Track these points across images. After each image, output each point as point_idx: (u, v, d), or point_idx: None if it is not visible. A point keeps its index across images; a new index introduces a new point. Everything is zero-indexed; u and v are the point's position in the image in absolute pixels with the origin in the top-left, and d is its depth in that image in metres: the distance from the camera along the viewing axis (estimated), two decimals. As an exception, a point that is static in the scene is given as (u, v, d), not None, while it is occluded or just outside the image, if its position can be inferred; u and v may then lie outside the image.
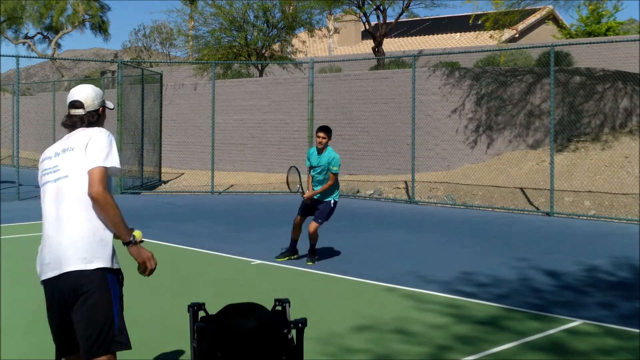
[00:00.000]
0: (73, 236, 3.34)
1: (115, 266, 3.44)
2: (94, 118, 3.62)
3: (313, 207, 8.73)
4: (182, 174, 21.37)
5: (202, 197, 16.76)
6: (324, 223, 8.72)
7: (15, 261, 8.57)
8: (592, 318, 6.20)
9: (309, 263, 8.64)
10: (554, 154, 14.41)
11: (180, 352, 5.15)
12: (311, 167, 8.75)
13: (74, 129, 3.58)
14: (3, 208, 13.64)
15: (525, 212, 13.78)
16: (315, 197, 8.68)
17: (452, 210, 14.39)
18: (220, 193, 17.61)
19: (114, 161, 3.44)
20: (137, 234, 3.51)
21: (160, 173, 19.79)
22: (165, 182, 19.49)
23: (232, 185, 18.72)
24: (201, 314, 3.50)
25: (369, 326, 5.90)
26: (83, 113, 3.59)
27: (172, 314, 6.23)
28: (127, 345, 3.42)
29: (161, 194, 17.58)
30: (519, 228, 11.93)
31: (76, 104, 3.60)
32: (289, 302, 3.35)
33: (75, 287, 3.32)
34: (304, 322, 3.25)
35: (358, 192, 16.96)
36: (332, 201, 8.68)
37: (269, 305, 3.39)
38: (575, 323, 6.05)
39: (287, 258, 8.90)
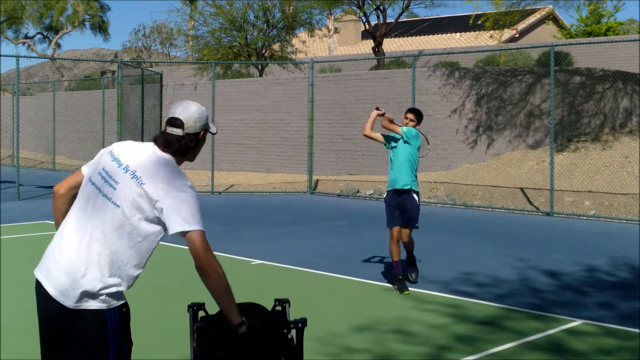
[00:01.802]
0: (87, 269, 2.88)
1: (116, 303, 2.96)
2: (192, 143, 3.08)
3: (400, 208, 7.28)
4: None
5: (202, 197, 16.77)
6: (415, 225, 7.36)
7: (16, 261, 8.57)
8: (592, 318, 6.20)
9: (412, 281, 7.40)
10: (554, 154, 14.41)
11: (180, 352, 5.15)
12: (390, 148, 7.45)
13: (165, 149, 3.04)
14: (3, 208, 13.63)
15: (525, 212, 13.78)
16: (400, 186, 7.26)
17: (452, 210, 14.39)
18: (220, 193, 17.61)
19: (201, 224, 2.94)
20: None
21: (160, 173, 19.76)
22: (165, 182, 19.47)
23: (232, 185, 18.72)
24: (201, 314, 3.50)
25: (369, 326, 5.90)
26: (181, 134, 3.03)
27: (172, 314, 6.24)
28: None
29: (161, 194, 17.56)
30: (519, 228, 11.92)
31: (175, 123, 3.04)
32: (289, 302, 3.35)
33: (67, 325, 2.89)
34: (304, 322, 3.25)
35: (358, 192, 16.97)
36: (417, 192, 7.29)
37: (269, 305, 3.39)
38: (575, 323, 6.05)
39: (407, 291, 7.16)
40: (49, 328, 2.97)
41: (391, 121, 7.35)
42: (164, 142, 3.05)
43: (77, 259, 2.89)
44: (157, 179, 2.92)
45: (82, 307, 2.86)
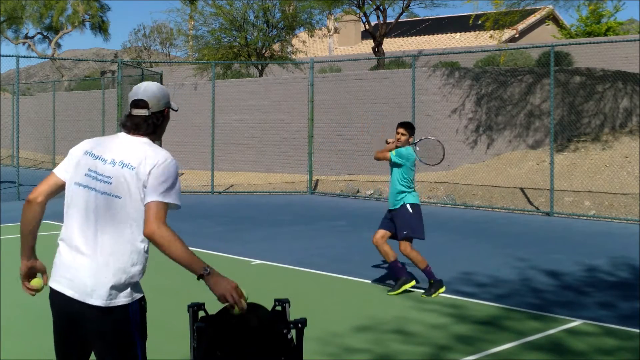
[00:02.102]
0: (108, 263, 3.00)
1: (137, 296, 3.12)
2: (159, 120, 3.22)
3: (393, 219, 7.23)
4: (182, 174, 21.38)
5: (202, 197, 16.76)
6: (413, 237, 7.10)
7: (16, 261, 8.56)
8: (592, 318, 6.20)
9: (423, 296, 7.04)
10: (554, 154, 14.41)
11: (180, 352, 5.15)
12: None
13: (134, 132, 3.16)
14: (3, 208, 13.64)
15: (525, 212, 13.78)
16: (390, 206, 7.26)
17: (452, 210, 14.39)
18: (220, 193, 17.61)
19: (174, 198, 3.07)
20: (37, 283, 3.17)
21: (160, 173, 19.77)
22: (165, 182, 19.47)
23: (232, 185, 18.72)
24: (201, 314, 3.50)
25: (369, 326, 5.90)
26: (147, 114, 3.17)
27: (172, 314, 6.23)
28: None
29: (161, 194, 17.57)
30: (519, 228, 11.92)
31: (140, 104, 3.18)
32: (289, 302, 3.35)
33: (95, 322, 3.00)
34: (303, 322, 3.25)
35: (358, 192, 16.97)
36: (407, 205, 7.12)
37: (268, 305, 3.38)
38: (575, 323, 6.05)
39: (400, 290, 7.09)
40: (73, 332, 3.05)
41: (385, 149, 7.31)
42: (133, 124, 3.17)
43: (98, 259, 3.00)
44: (145, 160, 3.05)
45: (111, 305, 2.98)
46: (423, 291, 7.07)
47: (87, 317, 2.99)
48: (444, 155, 7.50)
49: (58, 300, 3.07)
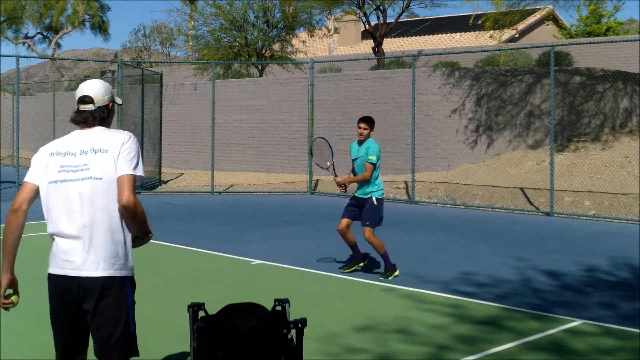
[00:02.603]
0: (103, 241, 3.34)
1: (133, 273, 3.50)
2: (105, 113, 3.55)
3: (358, 210, 7.98)
4: (182, 174, 21.38)
5: (202, 197, 16.76)
6: (374, 225, 7.83)
7: (15, 261, 8.56)
8: (592, 318, 6.20)
9: (381, 278, 7.76)
10: (554, 154, 14.41)
11: (180, 352, 5.15)
12: (353, 161, 8.15)
13: (84, 125, 3.51)
14: (3, 208, 13.62)
15: (525, 212, 13.78)
16: (355, 194, 8.05)
17: (452, 210, 14.39)
18: (220, 193, 17.62)
19: (140, 170, 3.44)
20: (15, 299, 3.50)
21: (160, 173, 19.80)
22: (165, 182, 19.49)
23: (232, 185, 18.72)
24: (201, 314, 3.50)
25: (369, 326, 5.90)
26: (93, 108, 3.51)
27: (172, 314, 6.23)
28: (137, 353, 3.49)
29: (161, 194, 17.58)
30: (519, 228, 11.92)
31: (86, 100, 3.53)
32: (288, 302, 3.35)
33: (98, 292, 3.32)
34: (303, 322, 3.25)
35: (358, 192, 16.96)
36: (375, 198, 7.90)
37: (269, 305, 3.39)
38: (575, 323, 6.05)
39: (353, 268, 8.08)
40: (77, 308, 3.37)
41: (345, 183, 8.23)
42: (82, 119, 3.52)
43: (91, 238, 3.34)
44: (112, 142, 3.42)
45: (117, 275, 3.36)
46: (380, 275, 7.85)
47: (91, 289, 3.32)
48: (332, 154, 8.32)
49: (60, 282, 3.37)
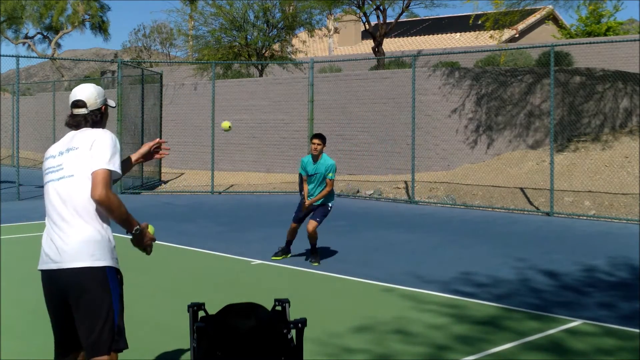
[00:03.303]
0: (79, 235, 3.37)
1: (116, 265, 3.48)
2: (97, 117, 3.63)
3: (309, 211, 8.92)
4: (182, 174, 21.38)
5: (202, 197, 16.76)
6: (321, 223, 8.84)
7: (15, 261, 8.57)
8: (592, 318, 6.20)
9: (314, 264, 8.67)
10: (554, 154, 14.41)
11: (180, 352, 5.15)
12: (308, 176, 8.84)
13: (77, 129, 3.59)
14: (3, 208, 13.63)
15: (525, 212, 13.78)
16: (317, 202, 8.86)
17: (452, 210, 14.39)
18: (220, 193, 17.62)
19: (116, 166, 3.44)
20: (151, 229, 3.60)
21: (160, 173, 19.80)
22: (165, 182, 19.50)
23: (232, 185, 18.72)
24: (201, 314, 3.50)
25: (369, 326, 5.90)
26: (86, 112, 3.60)
27: (172, 314, 6.23)
28: (125, 345, 3.45)
29: (161, 194, 17.58)
30: (519, 228, 11.92)
31: (79, 104, 3.60)
32: (288, 302, 3.35)
33: (77, 283, 3.34)
34: (303, 322, 3.25)
35: (358, 192, 16.96)
36: (330, 205, 8.91)
37: (269, 305, 3.39)
38: (575, 323, 6.05)
39: (282, 257, 9.01)
40: (59, 297, 3.42)
41: (309, 203, 8.82)
42: (74, 122, 3.60)
43: (75, 229, 3.39)
44: (84, 139, 3.49)
45: (95, 265, 3.36)
46: (311, 261, 8.73)
47: (72, 282, 3.35)
48: None
49: (45, 277, 3.46)
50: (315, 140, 8.72)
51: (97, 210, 3.40)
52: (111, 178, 3.42)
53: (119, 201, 3.38)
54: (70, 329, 3.46)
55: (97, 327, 3.33)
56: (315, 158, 8.73)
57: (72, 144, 3.51)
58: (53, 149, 3.60)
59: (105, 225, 3.45)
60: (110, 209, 3.35)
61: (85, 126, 3.59)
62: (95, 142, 3.45)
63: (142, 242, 3.53)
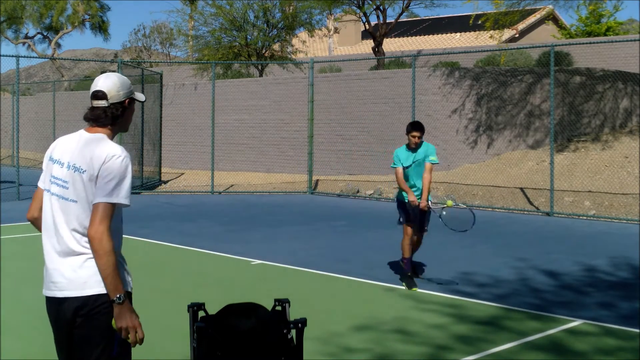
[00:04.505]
0: (82, 260, 3.09)
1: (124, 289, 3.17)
2: (119, 111, 3.19)
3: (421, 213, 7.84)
4: (182, 174, 21.38)
5: (202, 197, 16.76)
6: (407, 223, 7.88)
7: (16, 261, 8.57)
8: (592, 318, 6.20)
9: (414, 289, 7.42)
10: (554, 154, 14.41)
11: (180, 352, 5.15)
12: (404, 168, 7.73)
13: (96, 123, 3.18)
14: (3, 208, 13.63)
15: (525, 212, 13.78)
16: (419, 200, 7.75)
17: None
18: (220, 193, 17.61)
19: (121, 197, 3.04)
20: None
21: (160, 173, 19.80)
22: (165, 182, 19.50)
23: (232, 185, 18.72)
24: (201, 314, 3.50)
25: (369, 326, 5.90)
26: (106, 105, 3.16)
27: (172, 314, 6.24)
28: None
29: (161, 194, 17.58)
30: (519, 228, 11.92)
31: (98, 94, 3.16)
32: (288, 302, 3.35)
33: (80, 310, 3.10)
34: (303, 322, 3.25)
35: (358, 192, 16.97)
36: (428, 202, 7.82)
37: (269, 305, 3.39)
38: (575, 323, 6.05)
39: (415, 288, 7.44)
40: (65, 326, 3.14)
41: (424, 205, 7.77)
42: (93, 116, 3.17)
43: (73, 258, 3.08)
44: (91, 160, 3.07)
45: (99, 292, 3.04)
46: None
47: (75, 310, 3.08)
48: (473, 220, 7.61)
49: (51, 303, 3.18)
50: (416, 134, 7.59)
51: (89, 250, 3.08)
52: (114, 211, 3.06)
53: (111, 247, 2.99)
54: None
55: (94, 354, 3.12)
56: (414, 149, 7.73)
57: (78, 160, 3.11)
58: (63, 149, 3.21)
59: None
60: (98, 249, 2.97)
61: (105, 121, 3.16)
62: (103, 166, 3.05)
63: (125, 318, 3.03)
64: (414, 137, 7.58)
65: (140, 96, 3.33)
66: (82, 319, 3.10)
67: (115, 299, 2.99)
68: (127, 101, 3.25)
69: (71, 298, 3.08)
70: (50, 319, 3.24)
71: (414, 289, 7.33)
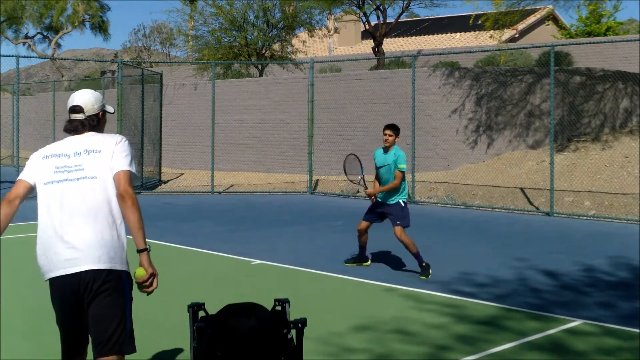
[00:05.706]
0: (100, 235, 3.42)
1: (129, 270, 3.56)
2: (95, 122, 3.69)
3: (382, 213, 8.23)
4: (182, 174, 21.38)
5: (202, 197, 16.76)
6: (406, 226, 8.09)
7: (16, 261, 8.57)
8: (592, 318, 6.20)
9: (422, 277, 7.81)
10: (554, 154, 14.41)
11: (180, 352, 5.15)
12: (377, 168, 8.22)
13: (75, 133, 3.64)
14: (3, 208, 13.61)
15: (525, 212, 13.78)
16: (379, 199, 8.16)
17: (452, 210, 14.39)
18: (220, 193, 17.61)
19: (134, 168, 3.59)
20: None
21: (160, 173, 19.80)
22: (165, 182, 19.49)
23: (232, 185, 18.72)
24: (201, 314, 3.50)
25: (369, 326, 5.90)
26: (83, 117, 3.65)
27: (172, 314, 6.24)
28: (134, 349, 3.53)
29: (161, 194, 17.58)
30: (519, 228, 11.92)
31: (76, 109, 3.66)
32: (288, 302, 3.35)
33: (96, 284, 3.39)
34: (303, 322, 3.25)
35: (358, 192, 16.97)
36: (401, 201, 8.10)
37: (269, 305, 3.39)
38: (575, 323, 6.05)
39: (355, 264, 8.48)
40: (76, 300, 3.41)
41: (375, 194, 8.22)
42: (72, 127, 3.66)
43: (93, 231, 3.42)
44: (104, 144, 3.57)
45: (114, 268, 3.42)
46: (420, 275, 7.96)
47: (90, 283, 3.38)
48: (362, 169, 8.54)
49: (65, 283, 3.41)
50: (387, 132, 8.16)
51: (114, 214, 3.47)
52: (132, 180, 3.53)
53: (138, 207, 3.50)
54: (79, 337, 3.52)
55: (111, 328, 3.40)
56: (386, 149, 8.20)
57: (90, 146, 3.56)
58: (59, 149, 3.60)
59: (121, 229, 3.50)
60: (133, 207, 3.43)
61: (83, 131, 3.64)
62: (117, 145, 3.56)
63: (152, 265, 3.51)
64: (384, 134, 8.18)
65: (110, 108, 3.83)
66: (100, 294, 3.38)
67: (148, 247, 3.48)
68: (100, 113, 3.73)
69: (84, 272, 3.36)
70: (58, 300, 3.46)
71: (346, 263, 8.44)
